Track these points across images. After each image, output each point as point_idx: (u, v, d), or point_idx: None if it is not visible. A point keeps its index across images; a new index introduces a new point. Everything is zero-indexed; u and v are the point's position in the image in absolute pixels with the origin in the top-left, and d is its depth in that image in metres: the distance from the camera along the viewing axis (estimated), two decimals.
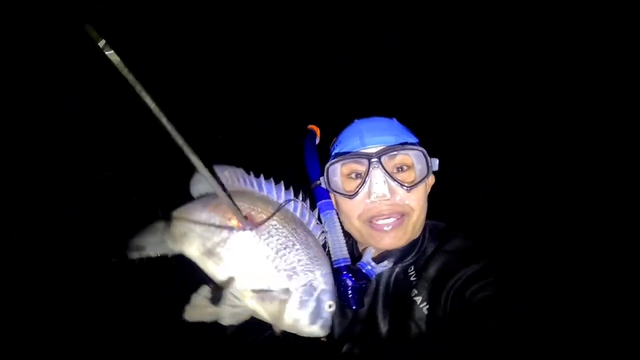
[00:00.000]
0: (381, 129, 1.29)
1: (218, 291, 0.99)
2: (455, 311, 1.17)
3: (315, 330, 1.03)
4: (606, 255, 2.85)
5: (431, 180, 1.35)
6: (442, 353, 1.24)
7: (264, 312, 1.01)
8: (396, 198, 1.22)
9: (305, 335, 1.05)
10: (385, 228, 1.24)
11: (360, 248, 1.40)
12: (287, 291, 1.01)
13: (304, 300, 1.02)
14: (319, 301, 1.03)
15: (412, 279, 1.31)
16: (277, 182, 1.15)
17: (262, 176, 1.14)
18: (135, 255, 1.07)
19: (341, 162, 1.26)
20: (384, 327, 1.31)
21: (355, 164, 1.25)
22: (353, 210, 1.26)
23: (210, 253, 1.03)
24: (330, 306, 1.05)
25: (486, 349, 1.02)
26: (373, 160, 1.20)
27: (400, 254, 1.34)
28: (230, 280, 1.00)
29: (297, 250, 1.05)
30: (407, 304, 1.28)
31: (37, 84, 3.29)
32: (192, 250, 1.06)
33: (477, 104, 4.22)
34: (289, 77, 4.33)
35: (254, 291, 1.00)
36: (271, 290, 1.00)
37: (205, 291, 1.02)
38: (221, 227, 1.04)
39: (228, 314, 0.97)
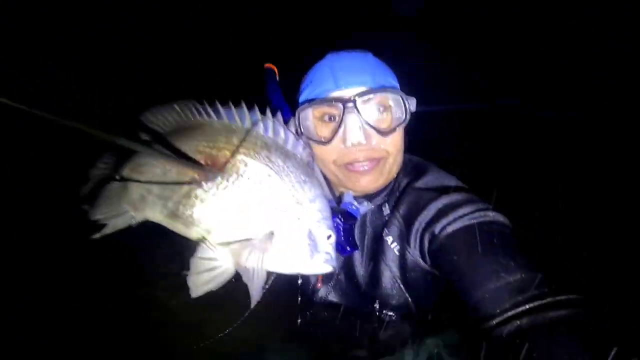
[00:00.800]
0: (356, 69, 1.17)
1: (194, 253, 0.87)
2: (426, 250, 1.11)
3: (316, 268, 0.92)
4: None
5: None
6: (409, 301, 1.24)
7: (254, 265, 0.87)
8: (372, 143, 1.13)
9: (307, 274, 0.96)
10: (361, 168, 1.16)
11: (336, 191, 1.30)
12: (271, 235, 0.87)
13: (296, 239, 0.89)
14: (312, 235, 0.91)
15: (385, 218, 1.27)
16: (236, 106, 0.96)
17: (217, 103, 0.96)
18: (98, 235, 0.93)
19: (313, 107, 1.16)
20: (360, 271, 1.29)
21: (329, 107, 1.14)
22: (327, 155, 1.17)
23: (174, 214, 0.89)
24: (329, 237, 0.93)
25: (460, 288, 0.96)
26: (348, 105, 1.10)
27: (380, 191, 1.27)
28: (206, 236, 0.88)
29: (274, 182, 0.90)
30: (379, 245, 1.24)
31: None
32: (156, 214, 0.92)
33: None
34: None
35: (235, 245, 0.86)
36: (254, 239, 0.87)
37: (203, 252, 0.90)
38: (179, 182, 0.88)
39: (204, 270, 0.85)
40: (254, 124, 0.94)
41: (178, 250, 0.96)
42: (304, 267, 0.92)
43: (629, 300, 1.79)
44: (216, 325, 1.16)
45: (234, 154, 0.89)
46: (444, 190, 1.18)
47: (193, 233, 0.89)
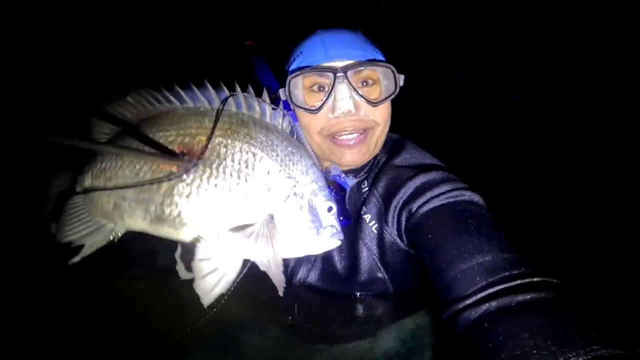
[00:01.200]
0: (347, 42, 1.18)
1: (190, 255, 0.78)
2: (403, 229, 1.11)
3: (325, 244, 0.87)
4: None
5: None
6: (387, 280, 1.23)
7: (255, 254, 0.80)
8: (360, 113, 1.13)
9: (316, 253, 0.89)
10: (348, 143, 1.14)
11: (321, 165, 1.27)
12: (271, 217, 0.80)
13: (296, 217, 0.82)
14: (313, 209, 0.84)
15: (363, 195, 1.26)
16: (198, 86, 0.87)
17: (176, 86, 0.86)
18: (78, 258, 0.82)
19: (304, 75, 1.13)
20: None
21: (319, 77, 1.13)
22: (314, 125, 1.15)
23: (159, 218, 0.79)
24: (329, 209, 0.87)
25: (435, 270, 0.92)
26: (339, 74, 1.09)
27: (360, 168, 1.26)
28: (199, 235, 0.79)
29: (261, 160, 0.82)
30: (357, 223, 1.23)
31: None
32: (138, 222, 0.81)
33: None
34: None
35: (235, 237, 0.78)
36: (250, 224, 0.79)
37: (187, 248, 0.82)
38: (156, 180, 0.77)
39: (208, 273, 0.76)
40: (223, 101, 0.84)
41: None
42: (311, 246, 0.86)
43: (622, 293, 1.80)
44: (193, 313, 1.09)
45: (210, 137, 0.79)
46: (422, 168, 1.17)
47: (185, 234, 0.80)
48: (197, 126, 0.83)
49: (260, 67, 1.39)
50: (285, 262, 1.27)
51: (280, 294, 0.79)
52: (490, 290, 0.78)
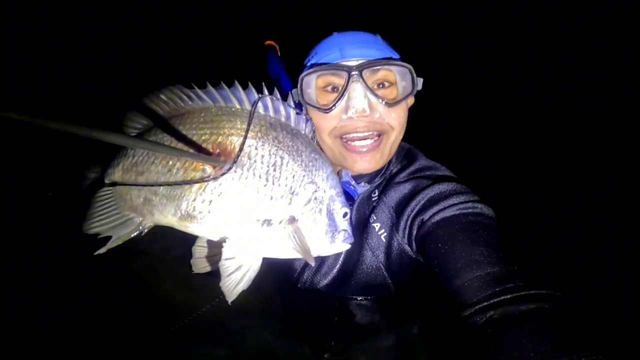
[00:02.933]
0: (363, 42, 1.14)
1: (216, 250, 0.82)
2: (414, 237, 1.12)
3: (338, 247, 0.90)
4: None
5: (411, 100, 1.21)
6: (390, 287, 1.24)
7: (275, 252, 0.84)
8: (375, 115, 1.09)
9: (329, 254, 0.94)
10: (362, 150, 1.12)
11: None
12: (292, 219, 0.83)
13: (315, 220, 0.85)
14: (330, 214, 0.87)
15: (373, 203, 1.26)
16: (229, 85, 0.88)
17: (208, 85, 0.88)
18: (104, 250, 0.83)
19: (317, 73, 1.10)
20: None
21: (333, 76, 1.09)
22: (326, 124, 1.12)
23: (189, 215, 0.80)
24: (345, 215, 0.90)
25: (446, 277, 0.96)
26: (353, 73, 1.05)
27: (372, 176, 1.26)
28: (225, 234, 0.81)
29: (287, 164, 0.84)
30: (365, 231, 1.23)
31: None
32: (167, 217, 0.83)
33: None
34: None
35: (254, 235, 0.81)
36: (273, 226, 0.81)
37: (204, 242, 0.85)
38: (193, 180, 0.79)
39: (233, 272, 0.80)
40: (254, 103, 0.86)
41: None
42: (326, 248, 0.89)
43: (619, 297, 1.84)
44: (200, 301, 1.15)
45: (244, 140, 0.81)
46: (435, 179, 1.18)
47: (212, 232, 0.82)
48: (230, 126, 0.84)
49: (275, 66, 1.40)
50: (291, 266, 1.32)
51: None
52: (496, 299, 0.83)
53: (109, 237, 0.83)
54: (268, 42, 1.49)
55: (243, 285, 0.79)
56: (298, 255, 0.86)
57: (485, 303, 0.83)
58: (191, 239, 0.98)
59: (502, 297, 0.82)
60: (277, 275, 1.31)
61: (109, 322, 1.11)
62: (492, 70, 4.37)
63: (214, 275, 1.16)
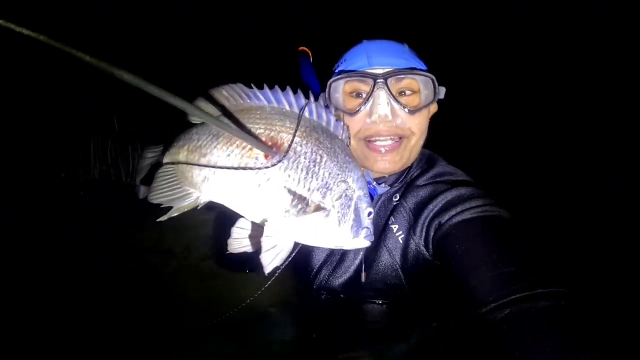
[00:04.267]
0: (390, 51, 1.22)
1: (256, 228, 0.93)
2: (431, 239, 1.15)
3: (360, 242, 0.99)
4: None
5: (434, 108, 1.29)
6: (405, 289, 1.27)
7: (305, 237, 0.95)
8: (397, 121, 1.18)
9: (350, 248, 1.01)
10: (382, 149, 1.19)
11: None
12: (324, 210, 0.93)
13: (343, 214, 0.95)
14: (357, 211, 0.97)
15: (393, 205, 1.30)
16: (282, 89, 1.01)
17: (265, 86, 1.00)
18: (165, 218, 0.95)
19: (345, 79, 1.19)
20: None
21: (359, 82, 1.19)
22: (351, 127, 1.19)
23: (241, 196, 0.93)
24: (369, 214, 0.99)
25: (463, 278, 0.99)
26: (379, 80, 1.14)
27: (394, 179, 1.31)
28: (267, 215, 0.92)
29: (325, 162, 0.95)
30: (384, 232, 1.27)
31: None
32: (221, 196, 0.95)
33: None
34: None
35: (290, 220, 0.92)
36: (307, 214, 0.92)
37: (243, 223, 0.96)
38: (246, 166, 0.91)
39: (270, 248, 0.90)
40: (302, 108, 0.99)
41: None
42: (349, 241, 0.98)
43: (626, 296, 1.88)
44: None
45: (293, 136, 0.94)
46: (454, 183, 1.23)
47: (256, 213, 0.94)
48: (281, 124, 0.96)
49: (307, 71, 1.46)
50: (308, 265, 1.38)
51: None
52: (512, 297, 0.86)
53: (170, 208, 0.96)
54: (301, 47, 1.56)
55: (277, 262, 0.90)
56: (321, 245, 0.98)
57: (502, 300, 0.87)
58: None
59: (519, 295, 0.85)
60: (293, 274, 1.38)
61: (124, 321, 1.21)
62: (492, 70, 4.41)
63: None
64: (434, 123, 1.32)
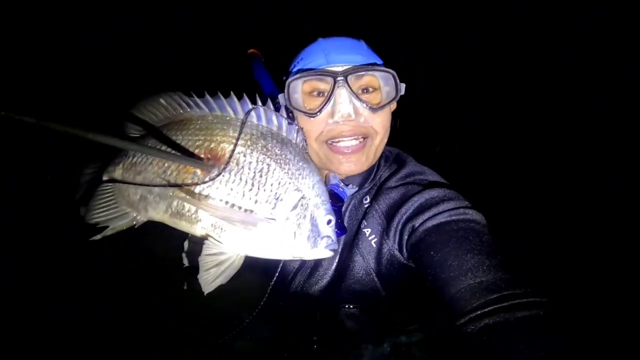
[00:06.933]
0: (348, 48, 1.18)
1: (198, 246, 0.89)
2: (404, 243, 1.12)
3: (320, 252, 0.94)
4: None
5: (393, 105, 1.25)
6: (381, 293, 1.24)
7: (258, 250, 0.90)
8: (360, 119, 1.13)
9: (311, 259, 0.97)
10: (346, 151, 1.15)
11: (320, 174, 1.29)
12: (275, 222, 0.89)
13: (299, 224, 0.91)
14: (314, 220, 0.93)
15: (365, 209, 1.26)
16: (226, 96, 0.96)
17: (207, 94, 0.95)
18: (99, 237, 0.92)
19: (303, 79, 1.14)
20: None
21: (318, 81, 1.14)
22: (312, 130, 1.15)
23: (179, 213, 0.88)
24: (329, 222, 0.95)
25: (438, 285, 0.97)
26: (339, 78, 1.09)
27: (361, 180, 1.28)
28: (209, 232, 0.88)
29: (274, 171, 0.91)
30: (356, 237, 1.24)
31: None
32: (159, 214, 0.91)
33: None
34: None
35: (238, 234, 0.88)
36: (257, 228, 0.88)
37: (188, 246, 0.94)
38: (183, 183, 0.87)
39: (211, 267, 0.87)
40: (246, 114, 0.94)
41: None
42: (308, 252, 0.94)
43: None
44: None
45: (233, 149, 0.89)
46: (426, 185, 1.20)
47: (198, 229, 0.89)
48: (222, 134, 0.92)
49: (260, 74, 1.42)
50: (283, 270, 1.30)
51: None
52: (490, 307, 0.84)
53: (106, 227, 0.92)
54: (251, 50, 1.53)
55: (221, 280, 0.86)
56: (277, 257, 0.93)
57: (480, 311, 0.85)
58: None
59: (496, 305, 0.84)
60: (268, 279, 1.31)
61: (124, 321, 1.19)
62: (492, 70, 4.36)
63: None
64: (434, 123, 1.28)
